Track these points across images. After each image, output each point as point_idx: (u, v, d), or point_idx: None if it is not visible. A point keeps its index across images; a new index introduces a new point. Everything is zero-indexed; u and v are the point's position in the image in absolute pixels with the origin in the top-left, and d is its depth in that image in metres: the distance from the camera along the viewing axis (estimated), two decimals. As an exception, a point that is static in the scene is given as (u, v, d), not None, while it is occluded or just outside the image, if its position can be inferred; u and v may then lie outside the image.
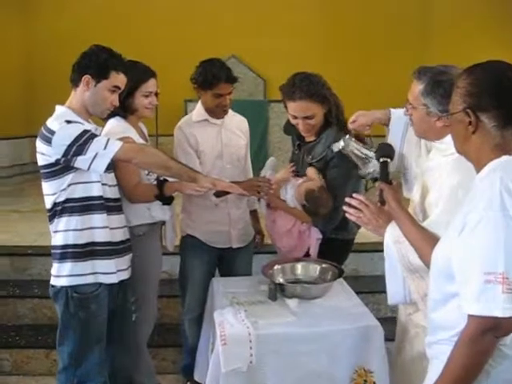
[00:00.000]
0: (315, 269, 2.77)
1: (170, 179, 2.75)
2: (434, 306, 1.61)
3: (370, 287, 4.22)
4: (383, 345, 2.33)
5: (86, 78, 2.47)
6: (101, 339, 2.57)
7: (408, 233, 1.89)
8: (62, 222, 2.47)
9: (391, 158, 2.22)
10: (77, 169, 2.41)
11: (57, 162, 2.39)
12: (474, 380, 1.46)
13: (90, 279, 2.49)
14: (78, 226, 2.46)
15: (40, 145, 2.42)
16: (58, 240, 2.50)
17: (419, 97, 2.05)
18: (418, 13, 7.97)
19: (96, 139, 2.39)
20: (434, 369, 1.58)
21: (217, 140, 3.12)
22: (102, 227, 2.50)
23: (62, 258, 2.49)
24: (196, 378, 2.93)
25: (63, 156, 2.36)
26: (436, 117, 2.03)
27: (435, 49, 7.36)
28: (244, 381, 2.23)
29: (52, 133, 2.37)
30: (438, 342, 1.60)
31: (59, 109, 2.51)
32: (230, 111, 3.19)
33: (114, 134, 2.66)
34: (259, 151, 6.21)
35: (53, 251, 2.53)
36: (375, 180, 2.36)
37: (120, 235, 2.61)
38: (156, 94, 2.90)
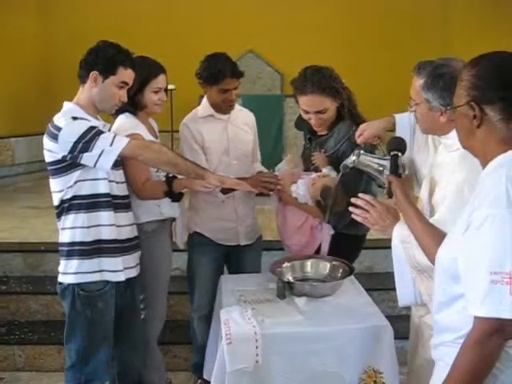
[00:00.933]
0: (325, 266, 2.71)
1: (179, 176, 2.72)
2: (439, 308, 1.56)
3: (385, 284, 4.12)
4: (393, 345, 2.27)
5: (94, 74, 2.45)
6: (108, 337, 2.56)
7: (414, 228, 1.84)
8: (69, 219, 2.46)
9: (402, 152, 2.13)
10: (83, 166, 2.39)
11: (63, 159, 2.38)
12: None
13: (96, 277, 2.48)
14: (84, 224, 2.45)
15: (47, 141, 2.41)
16: (65, 237, 2.49)
17: (420, 92, 2.00)
18: (438, 10, 7.84)
19: (102, 136, 2.37)
20: (439, 371, 1.53)
21: (223, 136, 3.08)
22: (108, 225, 2.48)
23: (69, 255, 2.47)
24: (205, 376, 2.89)
25: (69, 153, 2.34)
26: (439, 111, 1.96)
27: (456, 48, 7.24)
28: (250, 381, 2.18)
29: (58, 129, 2.35)
30: (443, 343, 1.55)
31: (66, 105, 2.50)
32: (237, 106, 3.15)
33: (123, 131, 2.65)
34: (275, 147, 6.15)
35: (60, 248, 2.52)
36: None
37: (127, 233, 2.59)
38: (165, 90, 2.87)
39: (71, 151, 2.34)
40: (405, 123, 2.37)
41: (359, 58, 7.29)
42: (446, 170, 1.95)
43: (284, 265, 2.73)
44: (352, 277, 2.66)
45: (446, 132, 2.00)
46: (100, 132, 2.38)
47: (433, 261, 1.65)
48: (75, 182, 2.41)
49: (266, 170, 3.20)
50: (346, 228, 2.84)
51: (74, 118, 2.38)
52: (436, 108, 1.96)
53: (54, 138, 2.36)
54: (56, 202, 2.48)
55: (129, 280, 2.59)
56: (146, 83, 2.75)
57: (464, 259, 1.42)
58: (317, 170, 2.89)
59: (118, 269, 2.52)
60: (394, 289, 4.02)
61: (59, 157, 2.38)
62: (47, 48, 7.75)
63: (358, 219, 2.03)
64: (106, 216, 2.47)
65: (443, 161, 2.01)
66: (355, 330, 2.28)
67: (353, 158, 2.44)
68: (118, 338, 2.62)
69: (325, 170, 2.80)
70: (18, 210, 5.64)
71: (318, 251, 2.88)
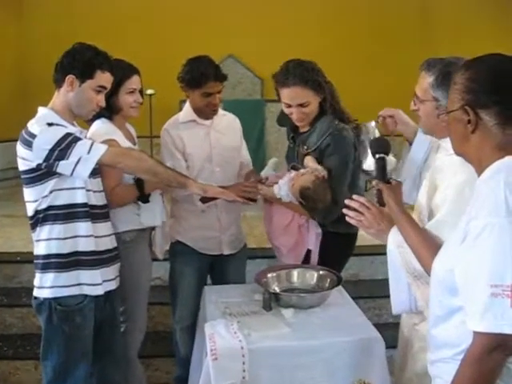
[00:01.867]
0: (312, 276, 2.64)
1: None
2: (436, 322, 1.48)
3: (371, 292, 4.09)
4: (384, 357, 2.19)
5: (70, 77, 2.34)
6: (86, 353, 2.44)
7: (408, 238, 1.77)
8: (45, 231, 2.34)
9: (387, 154, 2.06)
10: (59, 174, 2.28)
11: (38, 167, 2.27)
12: None
13: (74, 291, 2.37)
14: (60, 235, 2.34)
15: (20, 149, 2.30)
16: (40, 249, 2.37)
17: (428, 90, 1.94)
18: (418, 8, 7.85)
19: (79, 143, 2.26)
20: None
21: (205, 142, 2.98)
22: (86, 236, 2.37)
23: (45, 268, 2.36)
24: (189, 390, 2.80)
25: (45, 161, 2.23)
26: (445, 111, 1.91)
27: (437, 44, 7.26)
28: (237, 398, 2.09)
29: (33, 136, 2.24)
30: (441, 360, 1.47)
31: (41, 110, 2.38)
32: (220, 110, 3.05)
33: (98, 136, 2.55)
34: (257, 152, 6.07)
35: (35, 261, 2.41)
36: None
37: (106, 244, 2.48)
38: (141, 92, 2.77)
39: (46, 159, 2.23)
40: (425, 139, 2.28)
41: (340, 60, 7.24)
42: (447, 173, 1.88)
43: (269, 275, 2.64)
44: (340, 286, 2.58)
45: (446, 134, 1.93)
46: (77, 139, 2.28)
47: (427, 270, 1.59)
48: (51, 192, 2.30)
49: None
50: (334, 226, 2.75)
51: (50, 125, 2.27)
52: (443, 107, 1.87)
53: (28, 145, 2.25)
54: (30, 213, 2.36)
55: (108, 293, 2.48)
56: (120, 84, 2.66)
57: (462, 271, 1.35)
58: (295, 168, 2.81)
59: (96, 282, 2.41)
60: (380, 296, 4.07)
61: (34, 165, 2.27)
62: (23, 52, 7.60)
63: (352, 222, 1.95)
64: (83, 227, 2.36)
65: (443, 164, 1.94)
66: (345, 342, 2.20)
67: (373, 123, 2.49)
68: (97, 353, 2.51)
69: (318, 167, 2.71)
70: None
71: (308, 252, 2.79)
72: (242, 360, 2.10)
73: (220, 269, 3.12)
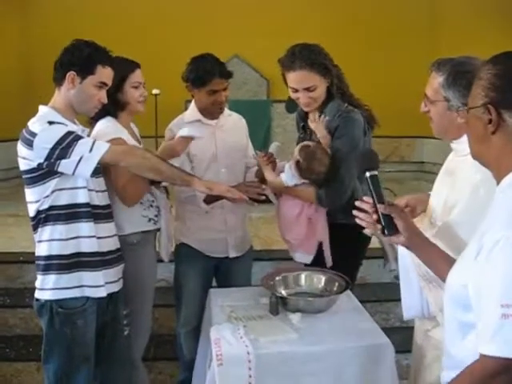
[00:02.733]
0: (320, 280, 2.58)
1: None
2: (452, 340, 1.40)
3: (378, 295, 4.03)
4: (394, 364, 2.14)
5: (71, 74, 2.29)
6: (89, 357, 2.39)
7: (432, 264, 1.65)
8: (46, 231, 2.29)
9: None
10: (61, 174, 2.23)
11: (39, 167, 2.22)
12: None
13: (76, 293, 2.32)
14: (62, 236, 2.29)
15: (21, 148, 2.25)
16: (41, 250, 2.32)
17: (439, 90, 1.87)
18: (425, 9, 7.79)
19: (81, 141, 2.21)
20: None
21: (210, 142, 2.92)
22: (88, 236, 2.32)
23: (46, 269, 2.31)
24: (194, 395, 2.75)
25: (46, 160, 2.19)
26: (457, 112, 1.84)
27: (444, 41, 7.21)
28: (242, 404, 2.04)
29: (33, 135, 2.20)
30: None
31: (42, 109, 2.34)
32: (226, 110, 3.00)
33: (104, 136, 2.50)
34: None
35: (37, 262, 2.36)
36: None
37: (109, 245, 2.43)
38: (144, 86, 2.73)
39: (47, 158, 2.18)
40: None
41: (346, 60, 7.18)
42: (460, 173, 1.83)
43: (276, 278, 2.59)
44: (348, 291, 2.53)
45: (460, 135, 1.87)
46: (78, 137, 2.23)
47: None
48: (52, 192, 2.25)
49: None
50: (344, 216, 2.61)
51: (50, 123, 2.22)
52: (455, 107, 1.83)
53: (29, 144, 2.20)
54: (32, 213, 2.31)
55: (111, 295, 2.43)
56: (124, 79, 2.62)
57: (475, 287, 1.27)
58: None
59: (99, 284, 2.35)
60: (387, 300, 4.00)
61: (35, 164, 2.22)
62: (26, 52, 7.56)
63: (363, 224, 1.88)
64: (85, 227, 2.31)
65: (455, 166, 1.90)
66: (353, 348, 2.15)
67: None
68: (100, 356, 2.46)
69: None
70: (-4, 219, 5.46)
71: (320, 246, 2.74)
72: (248, 366, 2.05)
73: (225, 271, 3.07)
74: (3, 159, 6.94)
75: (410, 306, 1.91)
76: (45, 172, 2.23)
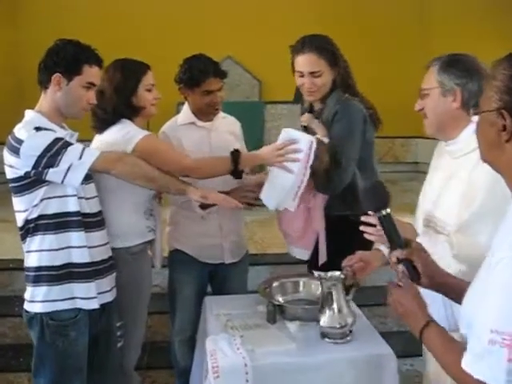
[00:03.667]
0: (318, 286, 2.50)
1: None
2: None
3: (375, 299, 3.94)
4: (397, 375, 2.07)
5: (57, 76, 2.19)
6: (80, 369, 2.31)
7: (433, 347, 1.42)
8: (35, 242, 2.22)
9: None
10: (50, 182, 2.15)
11: (26, 175, 2.14)
12: None
13: (67, 305, 2.24)
14: (53, 246, 2.21)
15: (7, 156, 2.17)
16: (31, 261, 2.24)
17: (434, 77, 1.85)
18: (416, 8, 7.76)
19: (70, 148, 2.14)
20: None
21: (204, 145, 2.83)
22: (79, 246, 2.24)
23: (36, 281, 2.23)
24: (190, 406, 2.68)
25: (33, 168, 2.11)
26: (452, 96, 1.81)
27: (436, 41, 7.18)
28: (240, 418, 1.97)
29: (20, 142, 2.12)
30: None
31: (28, 114, 2.25)
32: (220, 113, 2.93)
33: (138, 133, 2.49)
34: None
35: (26, 273, 2.28)
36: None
37: (101, 253, 2.35)
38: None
39: (35, 166, 2.10)
40: None
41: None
42: (467, 172, 1.78)
43: (273, 284, 2.52)
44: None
45: (455, 132, 1.85)
46: (67, 144, 2.15)
47: (457, 379, 1.29)
48: (41, 200, 2.17)
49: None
50: (342, 207, 2.66)
51: (37, 129, 2.14)
52: (449, 90, 1.81)
53: (16, 151, 2.12)
54: (20, 223, 2.23)
55: (104, 305, 2.36)
56: (138, 82, 2.54)
57: (473, 304, 1.21)
58: None
59: (91, 295, 2.27)
60: (384, 304, 3.92)
61: (22, 173, 2.14)
62: (17, 55, 7.44)
63: (372, 238, 1.82)
64: (76, 237, 2.23)
65: (457, 169, 1.85)
66: (354, 358, 2.09)
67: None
68: (92, 368, 2.38)
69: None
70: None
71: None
72: (246, 377, 1.99)
73: (221, 277, 2.99)
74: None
75: (435, 319, 1.80)
76: (33, 180, 2.15)
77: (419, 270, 1.53)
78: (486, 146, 1.28)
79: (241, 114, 3.03)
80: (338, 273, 2.11)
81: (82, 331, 2.27)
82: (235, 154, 2.53)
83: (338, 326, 2.09)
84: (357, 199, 2.55)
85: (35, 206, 2.17)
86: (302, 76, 2.65)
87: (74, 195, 2.21)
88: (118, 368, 2.54)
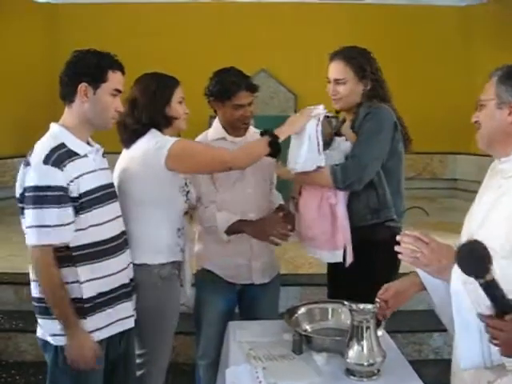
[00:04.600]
0: (348, 314, 2.34)
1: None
2: None
3: (410, 325, 3.76)
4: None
5: (83, 86, 2.09)
6: (96, 395, 2.18)
7: None
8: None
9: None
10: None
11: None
12: None
13: None
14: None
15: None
16: (35, 291, 2.13)
17: (491, 89, 1.75)
18: (458, 20, 7.56)
19: (53, 210, 1.98)
20: None
21: None
22: (86, 281, 2.09)
23: (42, 313, 2.12)
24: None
25: (20, 195, 2.03)
26: (508, 109, 1.71)
27: (478, 56, 6.99)
28: None
29: (28, 165, 2.03)
30: None
31: (53, 128, 2.14)
32: (251, 128, 2.81)
33: (170, 139, 2.39)
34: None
35: (33, 303, 2.16)
36: None
37: (118, 280, 2.20)
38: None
39: (20, 196, 2.03)
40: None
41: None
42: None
43: (300, 311, 2.37)
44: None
45: (507, 150, 1.75)
46: (58, 200, 1.99)
47: None
48: None
49: (282, 201, 2.89)
50: (369, 213, 2.57)
51: (46, 161, 1.99)
52: (506, 104, 1.71)
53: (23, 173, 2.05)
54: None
55: (123, 331, 2.24)
56: (172, 93, 2.46)
57: None
58: None
59: (100, 326, 2.14)
60: (420, 331, 3.73)
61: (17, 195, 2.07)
62: (54, 67, 7.49)
63: (406, 260, 1.67)
64: (79, 272, 2.08)
65: (498, 186, 1.75)
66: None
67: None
68: None
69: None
70: (16, 236, 5.31)
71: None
72: (267, 415, 1.84)
73: (249, 298, 2.86)
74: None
75: (467, 353, 1.61)
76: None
77: None
78: None
79: (275, 128, 2.91)
80: (370, 306, 1.95)
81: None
82: (267, 132, 2.49)
83: (365, 363, 1.92)
84: (381, 205, 2.55)
85: None
86: (329, 82, 2.65)
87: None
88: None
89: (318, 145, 2.46)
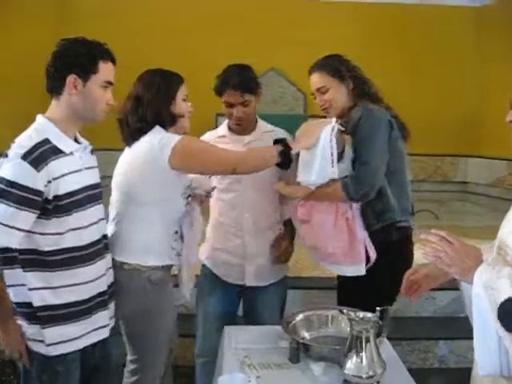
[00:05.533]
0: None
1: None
2: None
3: (415, 332, 3.66)
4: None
5: (72, 78, 1.96)
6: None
7: None
8: (12, 275, 1.95)
9: None
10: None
11: None
12: None
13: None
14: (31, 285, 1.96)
15: None
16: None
17: None
18: (471, 29, 7.47)
19: (9, 208, 1.85)
20: None
21: None
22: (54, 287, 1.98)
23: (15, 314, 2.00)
24: None
25: None
26: None
27: (490, 60, 6.88)
28: None
29: (6, 156, 1.90)
30: None
31: (39, 120, 2.01)
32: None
33: (175, 136, 2.30)
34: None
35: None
36: None
37: (95, 288, 2.09)
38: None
39: None
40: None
41: (387, 75, 6.93)
42: None
43: (298, 318, 2.28)
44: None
45: None
46: (19, 201, 1.85)
47: None
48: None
49: None
50: (376, 217, 2.52)
51: (24, 157, 1.86)
52: None
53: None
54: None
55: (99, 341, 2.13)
56: (177, 89, 2.37)
57: None
58: None
59: (75, 336, 2.03)
60: (425, 338, 3.63)
61: None
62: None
63: (429, 259, 1.60)
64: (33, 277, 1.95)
65: None
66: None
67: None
68: None
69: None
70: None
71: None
72: (260, 427, 1.75)
73: (250, 302, 2.82)
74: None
75: (486, 360, 1.53)
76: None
77: None
78: None
79: (283, 127, 2.84)
80: (370, 315, 1.86)
81: (72, 366, 2.03)
82: (281, 140, 2.40)
83: (364, 376, 1.82)
84: (385, 207, 2.50)
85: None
86: (315, 96, 2.65)
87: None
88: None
89: (332, 156, 2.38)
